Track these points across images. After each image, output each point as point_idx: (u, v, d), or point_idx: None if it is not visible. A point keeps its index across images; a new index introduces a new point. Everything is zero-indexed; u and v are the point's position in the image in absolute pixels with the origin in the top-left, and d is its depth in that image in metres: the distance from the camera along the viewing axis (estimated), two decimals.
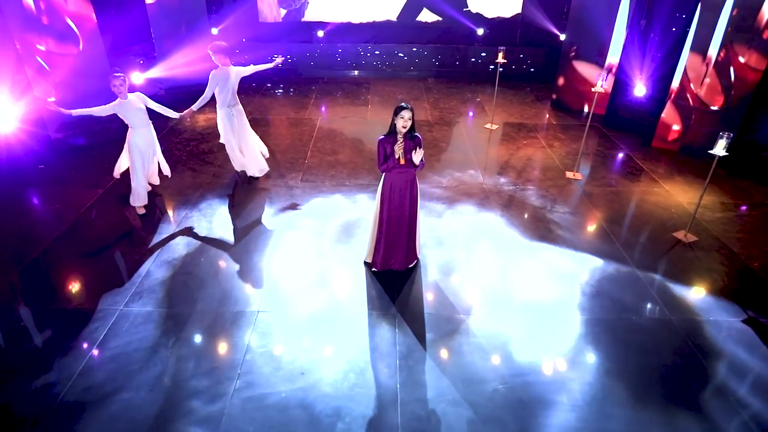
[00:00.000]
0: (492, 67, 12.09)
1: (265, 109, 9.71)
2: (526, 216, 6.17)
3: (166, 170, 6.24)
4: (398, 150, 4.42)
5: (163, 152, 6.55)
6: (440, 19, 12.24)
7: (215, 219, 5.96)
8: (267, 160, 7.24)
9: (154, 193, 6.49)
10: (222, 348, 4.17)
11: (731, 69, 7.48)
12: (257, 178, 6.92)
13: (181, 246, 5.43)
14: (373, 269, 5.04)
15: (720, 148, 5.34)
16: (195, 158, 7.54)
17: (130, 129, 5.83)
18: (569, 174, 7.28)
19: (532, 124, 9.19)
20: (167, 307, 4.57)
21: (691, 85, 7.86)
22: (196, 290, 4.78)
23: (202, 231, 5.71)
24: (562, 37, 11.91)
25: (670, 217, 6.28)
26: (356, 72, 12.18)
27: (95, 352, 4.11)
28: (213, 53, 6.27)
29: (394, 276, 5.00)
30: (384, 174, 4.64)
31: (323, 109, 9.78)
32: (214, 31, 12.08)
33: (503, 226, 5.92)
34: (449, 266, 5.21)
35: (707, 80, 7.70)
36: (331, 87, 11.15)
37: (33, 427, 3.53)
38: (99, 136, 7.98)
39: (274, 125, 8.89)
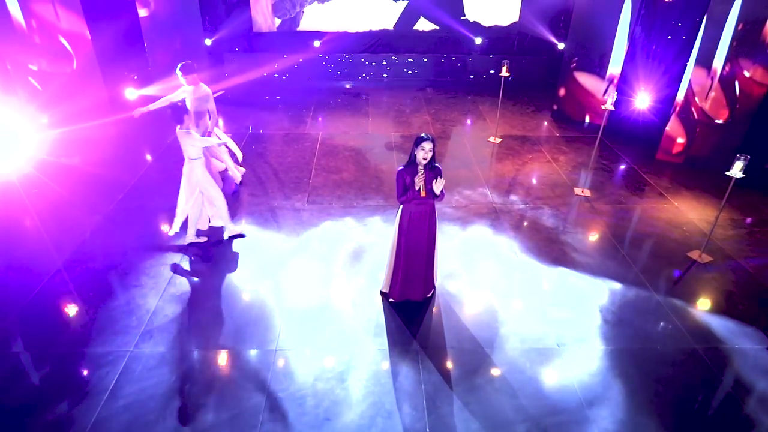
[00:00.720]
0: (492, 71, 12.02)
1: (263, 123, 9.52)
2: (539, 238, 6.08)
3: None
4: (419, 182, 4.29)
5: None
6: (437, 27, 12.14)
7: (221, 247, 5.78)
8: (270, 180, 7.05)
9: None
10: (242, 392, 4.01)
11: (736, 83, 7.48)
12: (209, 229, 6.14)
13: (187, 279, 5.25)
14: (391, 300, 4.91)
15: (737, 170, 5.29)
16: None
17: (193, 155, 5.42)
18: (578, 191, 7.21)
19: (535, 137, 9.12)
20: (179, 348, 4.39)
21: (696, 98, 7.85)
22: (208, 327, 4.60)
23: (208, 261, 5.53)
24: (561, 45, 11.88)
25: (683, 236, 6.23)
26: (353, 83, 12.03)
27: (108, 401, 3.91)
28: (183, 74, 6.07)
29: (412, 307, 4.87)
30: (402, 205, 4.51)
31: (322, 122, 9.61)
32: (208, 42, 11.85)
33: (518, 251, 5.82)
34: (467, 294, 5.09)
35: (712, 94, 7.69)
36: (329, 99, 10.98)
37: None
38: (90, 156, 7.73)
39: (274, 141, 8.71)
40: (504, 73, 8.42)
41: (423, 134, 4.26)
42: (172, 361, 4.26)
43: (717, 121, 7.76)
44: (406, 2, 11.93)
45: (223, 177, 7.17)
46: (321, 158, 8.07)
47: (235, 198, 6.82)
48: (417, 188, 4.31)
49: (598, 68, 9.22)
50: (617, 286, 5.29)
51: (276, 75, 11.98)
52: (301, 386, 4.08)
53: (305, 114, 10.05)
